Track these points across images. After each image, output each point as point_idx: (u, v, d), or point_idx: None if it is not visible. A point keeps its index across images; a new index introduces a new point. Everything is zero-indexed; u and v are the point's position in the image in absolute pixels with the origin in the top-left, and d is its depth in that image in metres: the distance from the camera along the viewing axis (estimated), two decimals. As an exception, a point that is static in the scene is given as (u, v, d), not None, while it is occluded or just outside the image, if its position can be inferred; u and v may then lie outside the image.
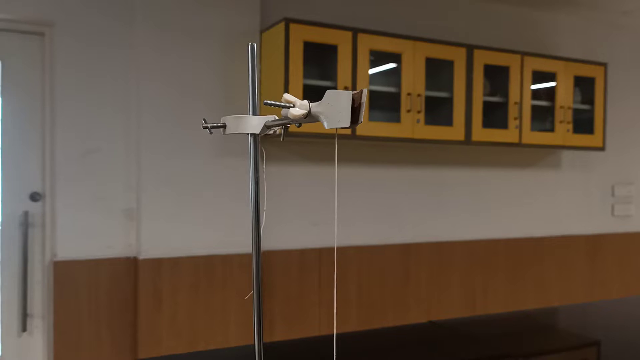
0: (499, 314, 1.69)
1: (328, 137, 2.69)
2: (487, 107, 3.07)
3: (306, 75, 2.61)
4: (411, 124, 2.79)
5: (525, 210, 3.64)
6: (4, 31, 2.48)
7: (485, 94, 3.06)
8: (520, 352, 1.21)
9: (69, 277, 2.50)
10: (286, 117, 0.47)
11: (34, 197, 2.55)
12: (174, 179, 2.61)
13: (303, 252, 2.95)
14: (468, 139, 2.97)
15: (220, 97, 2.68)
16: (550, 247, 3.71)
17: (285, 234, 2.92)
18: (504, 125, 3.11)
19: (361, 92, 0.40)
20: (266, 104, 0.50)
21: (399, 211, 3.24)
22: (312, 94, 2.67)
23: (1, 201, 2.52)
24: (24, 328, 2.54)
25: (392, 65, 2.91)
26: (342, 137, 2.67)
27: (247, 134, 0.54)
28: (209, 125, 0.55)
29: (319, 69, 2.76)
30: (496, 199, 3.54)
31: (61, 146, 2.49)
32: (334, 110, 0.42)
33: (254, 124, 0.53)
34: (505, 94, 3.13)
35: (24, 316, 2.54)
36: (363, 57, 2.67)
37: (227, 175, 2.70)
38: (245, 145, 2.49)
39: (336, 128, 0.46)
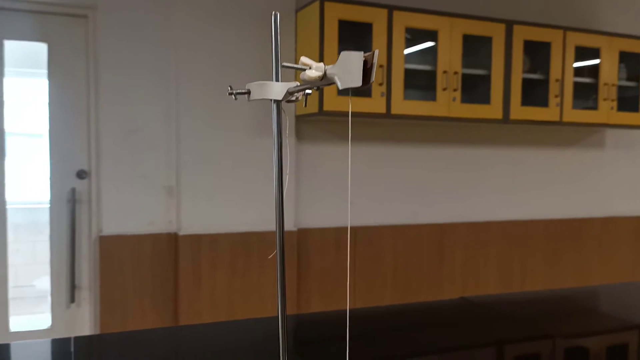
0: (533, 292, 1.68)
1: (362, 116, 2.70)
2: (527, 85, 3.00)
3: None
4: (447, 102, 2.76)
5: (566, 191, 3.56)
6: (49, 14, 2.58)
7: (524, 71, 3.00)
8: (554, 332, 1.21)
9: (113, 251, 2.62)
10: (305, 81, 0.50)
11: (81, 174, 2.66)
12: (213, 157, 2.68)
13: (338, 230, 2.99)
14: (506, 117, 2.92)
15: (257, 76, 2.71)
16: (592, 229, 3.63)
17: (321, 212, 2.96)
18: (544, 103, 3.04)
19: (373, 53, 0.42)
20: (284, 66, 0.53)
21: (434, 191, 3.22)
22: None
23: (50, 179, 2.65)
24: (72, 300, 2.68)
25: (429, 43, 2.88)
26: (376, 115, 2.67)
27: (271, 100, 0.57)
28: (234, 91, 0.58)
29: (354, 47, 2.76)
30: (535, 179, 3.47)
31: (105, 126, 2.59)
32: (347, 71, 0.44)
33: (277, 90, 0.56)
34: (546, 70, 3.05)
35: (72, 288, 2.68)
36: (398, 34, 2.65)
37: (266, 154, 2.75)
38: (288, 125, 2.52)
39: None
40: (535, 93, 3.06)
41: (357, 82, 0.42)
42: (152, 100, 2.64)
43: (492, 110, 2.89)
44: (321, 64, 0.48)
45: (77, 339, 1.17)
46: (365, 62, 0.42)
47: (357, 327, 1.26)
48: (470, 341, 1.14)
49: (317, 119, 2.81)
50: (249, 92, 0.58)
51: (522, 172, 3.44)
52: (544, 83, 3.05)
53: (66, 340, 1.16)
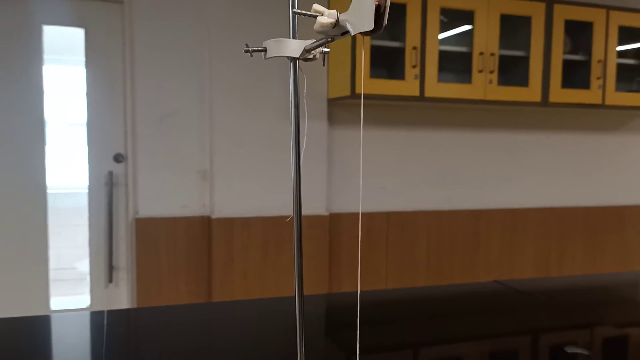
0: (572, 276, 1.62)
1: (395, 99, 2.66)
2: (567, 66, 2.90)
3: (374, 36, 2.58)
4: (483, 84, 2.70)
5: (608, 177, 3.44)
6: (86, 0, 2.63)
7: (565, 52, 2.90)
8: (595, 319, 1.17)
9: (149, 233, 2.67)
10: (318, 31, 0.49)
11: (118, 158, 2.72)
12: (245, 141, 2.70)
13: (371, 216, 2.97)
14: (545, 100, 2.83)
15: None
16: (635, 217, 3.49)
17: (354, 197, 2.94)
18: (585, 85, 2.93)
19: (386, -4, 0.41)
20: (295, 12, 0.52)
21: (469, 176, 3.16)
22: (381, 54, 2.64)
23: (88, 162, 2.72)
24: (110, 279, 2.75)
25: (465, 24, 2.81)
26: (409, 98, 2.63)
27: (288, 57, 0.56)
28: (250, 49, 0.57)
29: (388, 30, 2.72)
30: (575, 165, 3.37)
31: (141, 110, 2.64)
32: (359, 15, 0.43)
33: (294, 47, 0.55)
34: (587, 51, 2.94)
35: (110, 269, 2.75)
36: (433, 15, 2.59)
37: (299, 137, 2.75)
38: (317, 107, 2.53)
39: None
40: (576, 75, 2.95)
41: (369, 25, 0.41)
42: (186, 84, 2.67)
43: (531, 92, 2.80)
44: (334, 11, 0.47)
45: (110, 312, 1.20)
46: (378, 7, 0.41)
47: (383, 309, 1.25)
48: (503, 326, 1.11)
49: (349, 102, 2.78)
50: (265, 50, 0.57)
51: (562, 158, 3.33)
52: (586, 65, 2.94)
53: (100, 313, 1.19)
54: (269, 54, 0.56)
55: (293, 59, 0.56)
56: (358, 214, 2.94)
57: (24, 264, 2.69)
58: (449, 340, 1.01)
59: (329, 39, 0.48)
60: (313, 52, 0.55)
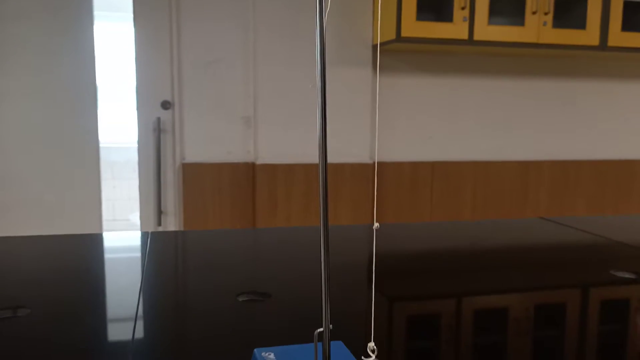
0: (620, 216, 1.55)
1: (442, 42, 2.57)
2: (629, 7, 2.72)
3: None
4: (536, 26, 2.57)
5: (670, 129, 3.25)
6: (134, -53, 2.65)
7: (627, -8, 2.71)
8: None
9: (195, 179, 2.73)
10: None
11: (165, 105, 2.77)
12: (289, 88, 2.69)
13: (415, 165, 2.93)
14: (603, 44, 2.67)
15: (332, 7, 2.66)
16: (698, 172, 3.30)
17: (398, 146, 2.90)
18: (649, 28, 2.75)
19: None
20: None
21: (519, 126, 3.05)
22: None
23: (137, 109, 2.78)
24: (159, 223, 2.85)
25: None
26: (457, 42, 2.54)
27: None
28: None
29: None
30: (636, 115, 3.19)
31: (187, 57, 2.66)
32: None
33: None
34: (653, -9, 2.74)
35: (159, 213, 2.84)
36: (484, -47, 2.47)
37: (343, 86, 2.72)
38: (361, 53, 2.47)
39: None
40: (638, 16, 2.76)
41: None
42: (231, 30, 2.67)
43: (588, 35, 2.65)
44: None
45: (153, 233, 1.23)
46: None
47: (429, 238, 1.23)
48: (546, 256, 1.08)
49: (395, 48, 2.71)
50: None
51: (620, 107, 3.17)
52: (651, 6, 2.75)
53: (144, 234, 1.23)
54: None
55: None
56: (403, 162, 2.91)
57: (78, 216, 2.80)
58: (492, 269, 0.99)
59: None
60: None
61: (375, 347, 0.37)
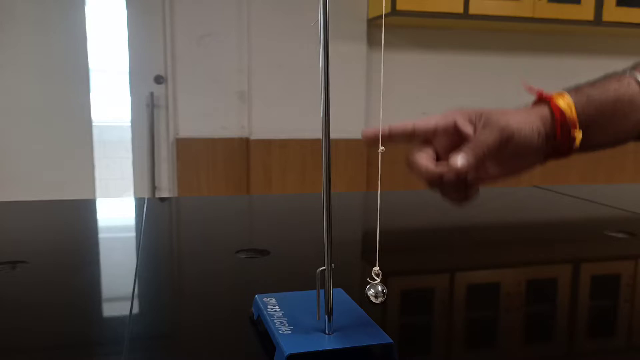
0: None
1: (437, 16, 2.56)
2: (625, -18, 2.71)
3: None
4: (532, 1, 2.56)
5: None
6: None
7: (623, -33, 2.70)
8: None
9: (189, 154, 2.72)
10: None
11: (158, 79, 2.75)
12: (283, 63, 2.67)
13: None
14: (598, 19, 2.67)
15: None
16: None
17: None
18: (644, 3, 2.75)
19: None
20: None
21: (513, 102, 3.04)
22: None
23: (129, 84, 2.76)
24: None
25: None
26: (452, 15, 2.52)
27: None
28: None
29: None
30: (628, 92, 3.20)
31: (180, 31, 2.63)
32: None
33: None
34: (649, -34, 2.73)
35: (153, 189, 2.84)
36: None
37: (338, 61, 2.70)
38: (355, 27, 2.44)
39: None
40: (634, -8, 2.76)
41: None
42: (224, 4, 2.64)
43: (583, 10, 2.64)
44: None
45: (150, 199, 1.23)
46: None
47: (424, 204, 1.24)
48: (541, 222, 1.09)
49: (390, 22, 2.69)
50: None
51: (614, 84, 3.17)
52: (646, -20, 2.75)
53: (141, 200, 1.23)
54: None
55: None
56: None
57: (71, 196, 2.78)
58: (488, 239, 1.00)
59: None
60: None
61: (380, 271, 0.38)
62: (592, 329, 0.58)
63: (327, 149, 0.42)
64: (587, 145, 0.54)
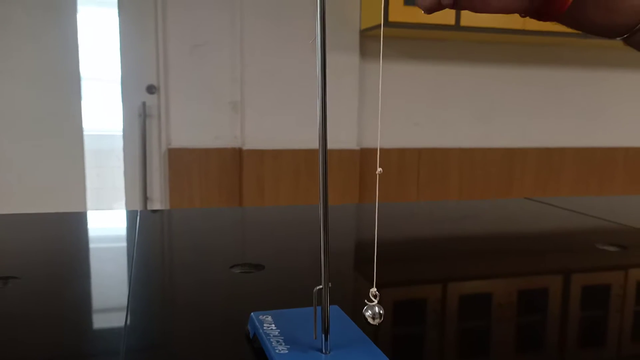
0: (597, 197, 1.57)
1: (429, 27, 2.58)
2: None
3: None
4: (522, 13, 2.58)
5: (652, 116, 3.30)
6: None
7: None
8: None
9: (182, 164, 2.71)
10: None
11: (150, 89, 2.75)
12: (276, 73, 2.68)
13: (402, 152, 2.94)
14: (588, 31, 2.70)
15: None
16: (678, 159, 3.37)
17: (385, 133, 2.91)
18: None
19: None
20: None
21: (504, 114, 3.08)
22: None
23: (121, 94, 2.75)
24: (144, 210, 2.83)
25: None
26: (444, 27, 2.55)
27: None
28: None
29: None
30: (618, 104, 3.24)
31: (173, 41, 2.63)
32: None
33: None
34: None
35: (145, 199, 2.82)
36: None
37: (330, 72, 2.69)
38: (348, 38, 2.45)
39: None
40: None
41: None
42: (217, 13, 2.64)
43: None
44: None
45: (142, 211, 1.23)
46: None
47: (417, 217, 1.24)
48: (532, 235, 1.10)
49: (383, 34, 2.71)
50: None
51: (604, 96, 3.21)
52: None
53: (133, 212, 1.22)
54: None
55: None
56: (390, 149, 2.92)
57: (62, 206, 2.76)
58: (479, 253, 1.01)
59: None
60: None
61: (377, 292, 0.38)
62: (583, 339, 0.59)
63: (323, 162, 0.42)
64: (577, 17, 0.49)
